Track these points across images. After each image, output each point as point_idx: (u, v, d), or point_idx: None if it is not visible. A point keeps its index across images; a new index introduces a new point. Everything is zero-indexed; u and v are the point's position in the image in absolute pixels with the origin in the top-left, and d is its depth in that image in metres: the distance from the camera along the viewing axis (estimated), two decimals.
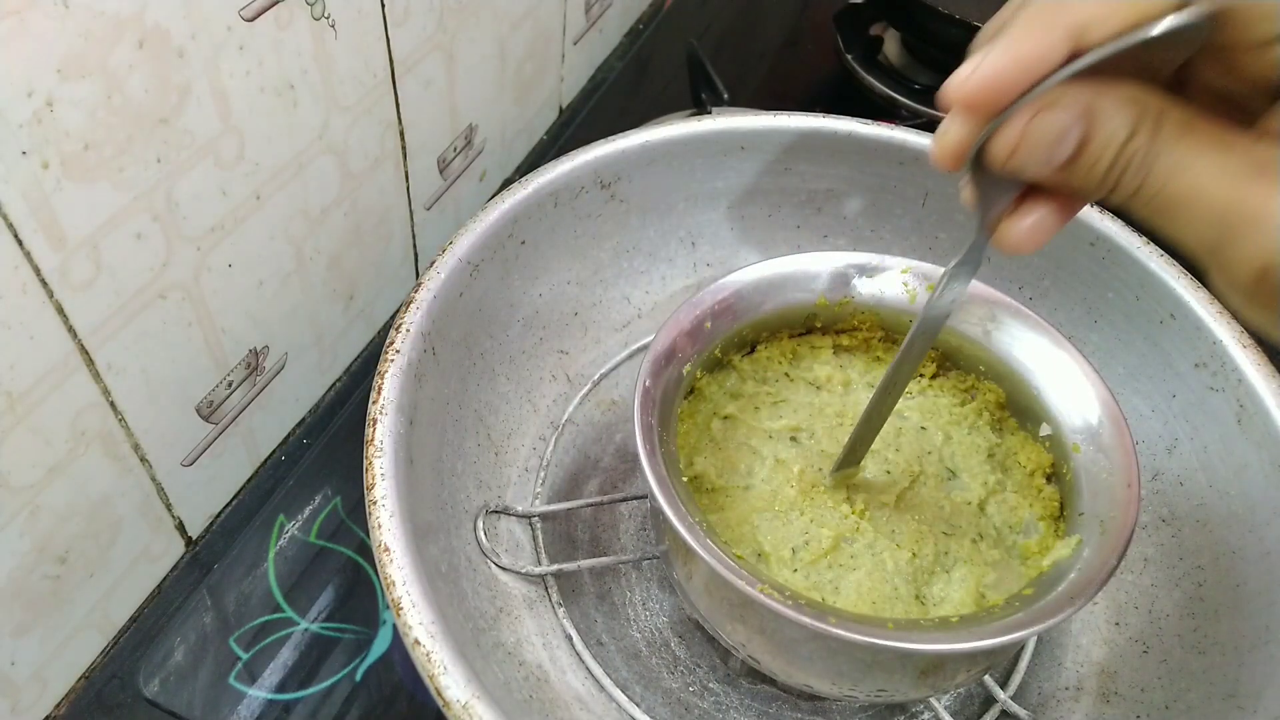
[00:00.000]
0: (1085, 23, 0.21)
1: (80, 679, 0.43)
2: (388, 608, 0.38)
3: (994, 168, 0.24)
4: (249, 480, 0.50)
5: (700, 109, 0.68)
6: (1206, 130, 0.21)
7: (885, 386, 0.35)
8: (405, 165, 0.53)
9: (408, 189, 0.55)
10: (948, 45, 0.70)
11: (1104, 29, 0.21)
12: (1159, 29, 0.21)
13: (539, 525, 0.44)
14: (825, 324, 0.43)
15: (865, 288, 0.41)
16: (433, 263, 0.42)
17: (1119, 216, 0.47)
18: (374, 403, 0.37)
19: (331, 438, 0.53)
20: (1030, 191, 0.25)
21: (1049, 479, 0.38)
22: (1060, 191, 0.25)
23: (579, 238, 0.49)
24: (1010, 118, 0.23)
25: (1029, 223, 0.26)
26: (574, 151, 0.48)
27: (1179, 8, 0.21)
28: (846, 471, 0.38)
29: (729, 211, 0.53)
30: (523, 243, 0.46)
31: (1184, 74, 0.23)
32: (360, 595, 0.46)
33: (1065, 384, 0.38)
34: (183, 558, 0.47)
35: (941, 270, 0.31)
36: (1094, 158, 0.22)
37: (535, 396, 0.48)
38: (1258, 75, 0.21)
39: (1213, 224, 0.21)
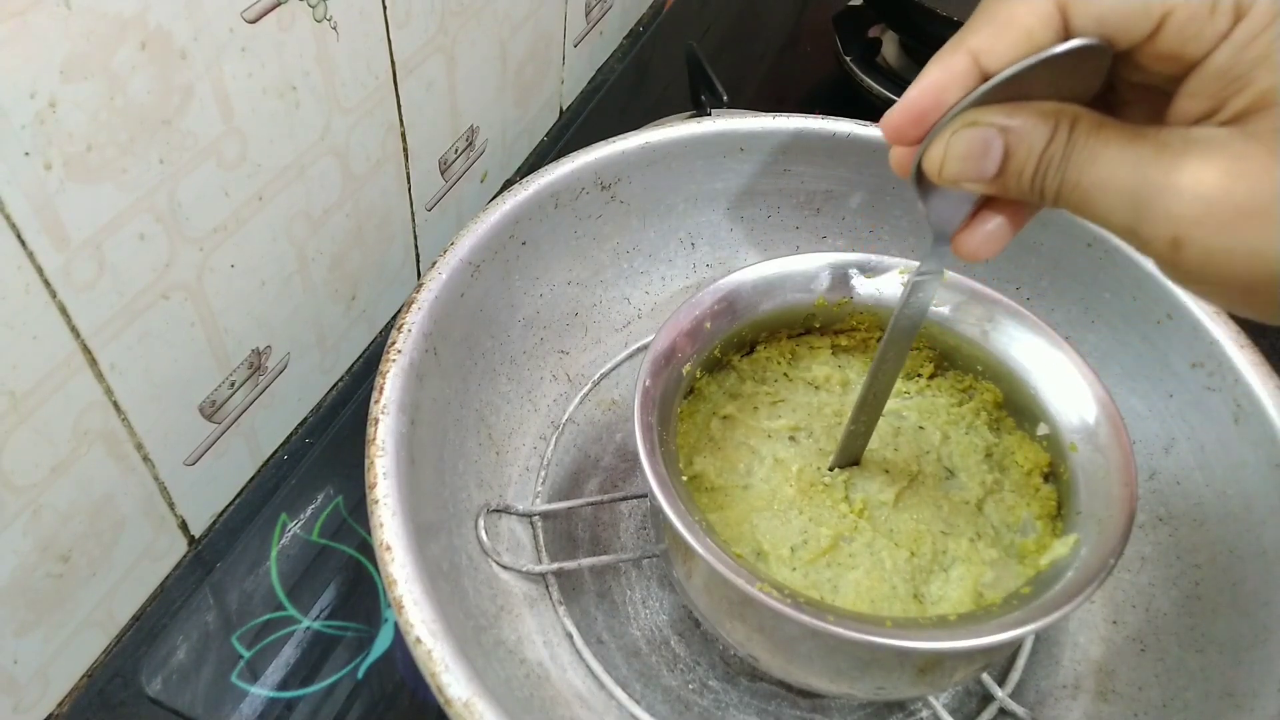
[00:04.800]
0: (980, 48, 0.24)
1: (83, 677, 0.43)
2: (389, 606, 0.39)
3: (933, 181, 0.26)
4: (251, 479, 0.50)
5: (700, 110, 0.68)
6: (1117, 126, 0.23)
7: (864, 396, 0.36)
8: (407, 166, 0.54)
9: (409, 190, 0.55)
10: None
11: (998, 55, 0.24)
12: (1059, 49, 0.23)
13: (540, 524, 0.44)
14: (824, 324, 0.43)
15: (864, 288, 0.42)
16: (434, 263, 0.42)
17: None
18: (376, 402, 0.37)
19: (333, 437, 0.53)
20: (982, 205, 0.28)
21: (1046, 478, 0.39)
22: (1003, 201, 0.28)
23: (579, 238, 0.49)
24: (934, 138, 0.26)
25: (984, 232, 0.28)
26: (574, 153, 0.48)
27: (1062, 35, 0.23)
28: (846, 470, 0.39)
29: (729, 212, 0.53)
30: (523, 243, 0.46)
31: (1111, 80, 0.25)
32: (362, 593, 0.46)
33: (1062, 384, 0.38)
34: (185, 556, 0.47)
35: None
36: (1019, 166, 0.25)
37: (536, 396, 0.48)
38: (1158, 67, 0.23)
39: (1125, 206, 0.23)
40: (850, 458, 0.39)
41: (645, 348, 0.47)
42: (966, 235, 0.29)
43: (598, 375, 0.50)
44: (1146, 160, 0.22)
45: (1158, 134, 0.23)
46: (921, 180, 0.27)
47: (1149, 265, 0.45)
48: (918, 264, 0.32)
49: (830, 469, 0.39)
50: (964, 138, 0.25)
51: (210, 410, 0.45)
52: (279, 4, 0.39)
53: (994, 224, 0.28)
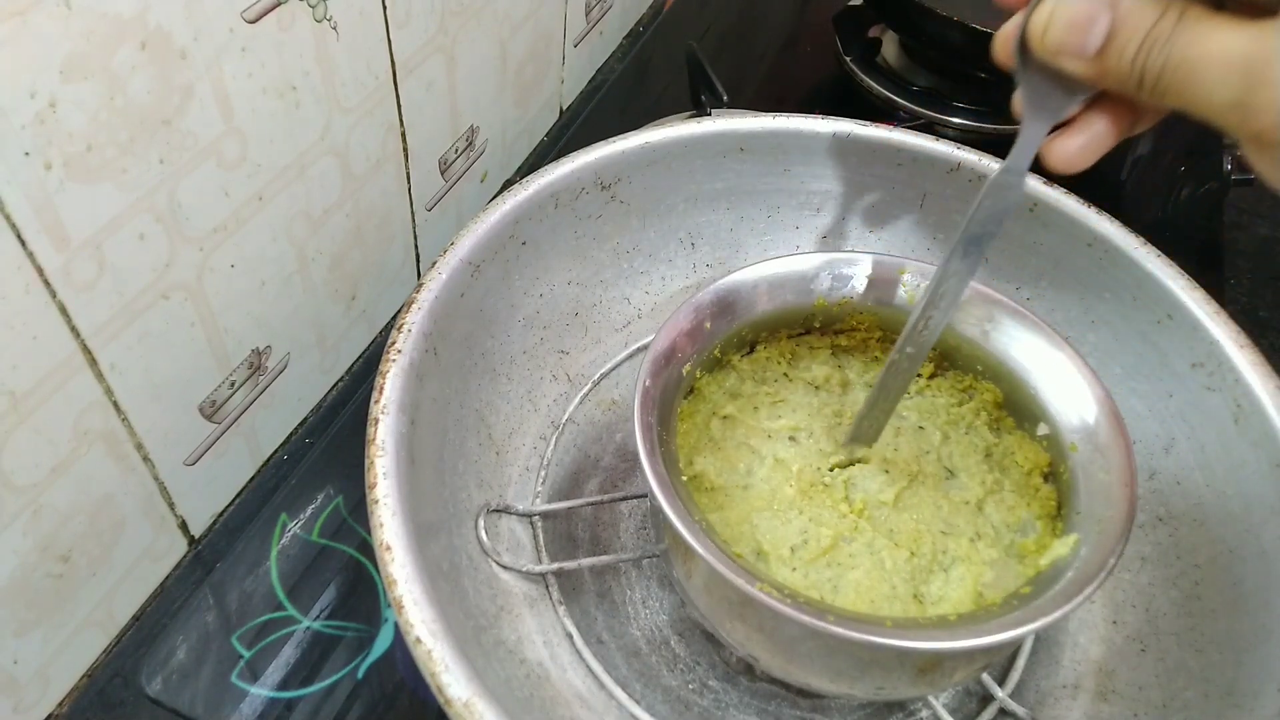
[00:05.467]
0: None
1: (83, 677, 0.43)
2: (389, 606, 0.39)
3: (1034, 52, 0.26)
4: (251, 479, 0.50)
5: (700, 110, 0.68)
6: (1227, 14, 0.23)
7: (910, 331, 0.36)
8: (407, 166, 0.54)
9: (409, 190, 0.55)
10: (945, 47, 0.70)
11: None
12: None
13: (540, 524, 0.44)
14: (824, 324, 0.43)
15: (864, 288, 0.42)
16: (434, 263, 0.42)
17: (1116, 216, 0.47)
18: (376, 402, 0.37)
19: (333, 437, 0.53)
20: (1077, 117, 0.28)
21: (1046, 478, 0.39)
22: (1103, 108, 0.27)
23: (579, 238, 0.49)
24: (1041, 2, 0.26)
25: (1079, 142, 0.28)
26: (574, 153, 0.48)
27: None
28: (855, 449, 0.39)
29: (729, 212, 0.53)
30: (523, 243, 0.46)
31: None
32: (362, 593, 0.46)
33: (1063, 384, 0.38)
34: (185, 556, 0.47)
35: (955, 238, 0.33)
36: (1122, 43, 0.24)
37: (536, 396, 0.48)
38: None
39: (1235, 77, 0.23)
40: (870, 434, 0.39)
41: (645, 348, 0.47)
42: (1062, 141, 0.28)
43: (598, 375, 0.50)
44: (1263, 35, 0.22)
45: (1273, 19, 0.23)
46: (1025, 57, 0.27)
47: (1150, 265, 0.45)
48: (1003, 162, 0.30)
49: (846, 443, 0.39)
50: (1071, 5, 0.25)
51: (210, 410, 0.45)
52: (279, 4, 0.39)
53: (1091, 132, 0.28)
